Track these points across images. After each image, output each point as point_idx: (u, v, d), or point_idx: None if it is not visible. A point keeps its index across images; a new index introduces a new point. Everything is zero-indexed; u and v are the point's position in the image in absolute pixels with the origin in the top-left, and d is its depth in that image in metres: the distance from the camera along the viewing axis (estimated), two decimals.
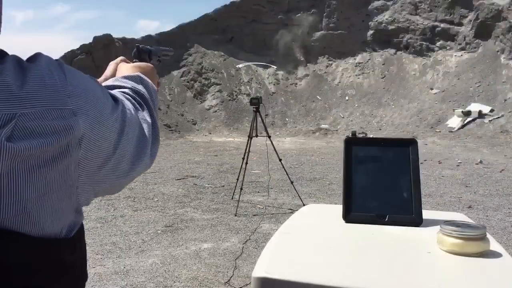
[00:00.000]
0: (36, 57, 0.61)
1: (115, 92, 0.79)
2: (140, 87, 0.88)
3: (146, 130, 0.78)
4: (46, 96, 0.56)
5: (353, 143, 1.41)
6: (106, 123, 0.64)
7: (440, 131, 14.84)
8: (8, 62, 0.57)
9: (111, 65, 1.06)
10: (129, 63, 1.07)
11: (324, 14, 20.44)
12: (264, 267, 1.03)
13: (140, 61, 1.12)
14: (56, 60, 0.63)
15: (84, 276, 0.69)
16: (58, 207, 0.58)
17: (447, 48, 18.63)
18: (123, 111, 0.70)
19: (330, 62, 20.23)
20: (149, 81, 0.93)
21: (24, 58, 0.62)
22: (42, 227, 0.56)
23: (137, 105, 0.81)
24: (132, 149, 0.73)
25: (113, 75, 1.03)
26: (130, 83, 0.87)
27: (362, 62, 19.70)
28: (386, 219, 1.33)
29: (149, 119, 0.81)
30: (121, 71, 1.02)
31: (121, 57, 1.09)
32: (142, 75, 0.93)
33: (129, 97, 0.81)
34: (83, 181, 0.61)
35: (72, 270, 0.63)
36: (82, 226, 0.67)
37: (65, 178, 0.57)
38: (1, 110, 0.52)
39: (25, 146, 0.52)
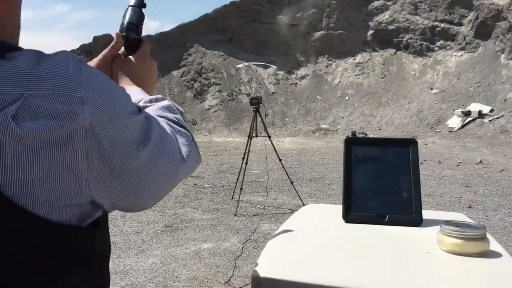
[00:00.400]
0: (58, 53, 0.62)
1: (155, 115, 0.76)
2: (178, 115, 0.85)
3: (184, 151, 0.76)
4: (56, 81, 0.57)
5: (353, 143, 1.41)
6: (121, 122, 0.62)
7: (440, 131, 14.84)
8: (24, 51, 0.59)
9: (102, 59, 0.97)
10: (120, 56, 0.98)
11: (324, 14, 20.44)
12: (264, 267, 1.03)
13: (133, 51, 0.98)
14: (79, 57, 0.63)
15: (102, 277, 0.68)
16: (65, 194, 0.58)
17: (447, 48, 18.64)
18: (148, 122, 0.68)
19: (330, 62, 20.24)
20: (178, 107, 0.89)
21: None
22: (49, 210, 0.57)
23: (176, 130, 0.78)
24: (162, 168, 0.70)
25: (107, 73, 0.95)
26: (171, 116, 0.83)
27: (362, 62, 19.70)
28: (386, 219, 1.33)
29: (186, 141, 0.79)
30: (123, 81, 0.96)
31: (110, 49, 0.97)
32: (171, 102, 0.88)
33: (176, 127, 0.79)
34: (94, 177, 0.60)
35: (86, 265, 0.63)
36: (100, 221, 0.66)
37: (71, 166, 0.57)
38: (9, 90, 0.53)
39: (29, 128, 0.53)
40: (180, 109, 0.89)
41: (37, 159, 0.54)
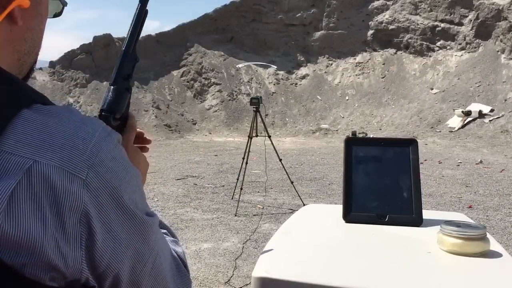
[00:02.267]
0: (92, 118, 0.58)
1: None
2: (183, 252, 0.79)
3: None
4: (67, 155, 0.53)
5: (353, 143, 1.41)
6: (123, 217, 0.57)
7: (440, 131, 14.84)
8: (54, 107, 0.55)
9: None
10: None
11: (324, 14, 20.44)
12: (264, 267, 1.03)
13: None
14: (112, 130, 0.59)
15: None
16: (56, 275, 0.54)
17: (447, 48, 18.64)
18: (154, 233, 0.62)
19: (330, 62, 20.24)
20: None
21: None
22: (42, 280, 0.53)
23: (180, 269, 0.73)
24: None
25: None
26: (179, 248, 0.78)
27: (362, 62, 19.70)
28: (386, 219, 1.33)
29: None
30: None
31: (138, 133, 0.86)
32: (165, 225, 0.82)
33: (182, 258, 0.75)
34: (88, 270, 0.55)
35: None
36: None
37: (63, 252, 0.53)
38: (19, 151, 0.51)
39: (19, 223, 0.49)
40: (175, 235, 0.83)
41: (27, 243, 0.50)
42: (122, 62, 0.83)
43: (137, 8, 0.85)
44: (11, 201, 0.49)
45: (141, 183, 0.63)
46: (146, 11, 0.86)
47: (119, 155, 0.58)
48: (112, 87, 0.81)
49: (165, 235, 0.76)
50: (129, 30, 0.85)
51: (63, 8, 0.74)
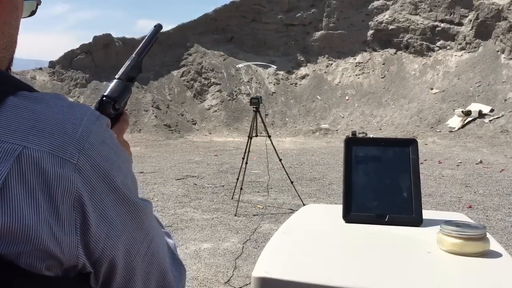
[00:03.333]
0: (80, 104, 0.58)
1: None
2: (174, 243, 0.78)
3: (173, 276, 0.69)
4: (58, 140, 0.52)
5: (353, 143, 1.41)
6: (116, 201, 0.57)
7: (440, 131, 14.84)
8: (40, 94, 0.55)
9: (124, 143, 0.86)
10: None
11: (324, 14, 20.44)
12: (264, 267, 1.03)
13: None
14: (101, 115, 0.58)
15: None
16: (52, 261, 0.53)
17: (447, 48, 18.64)
18: (149, 218, 0.62)
19: (330, 62, 20.24)
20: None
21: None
22: (38, 270, 0.53)
23: (175, 258, 0.73)
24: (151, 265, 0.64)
25: None
26: (171, 242, 0.77)
27: (362, 62, 19.70)
28: (386, 219, 1.33)
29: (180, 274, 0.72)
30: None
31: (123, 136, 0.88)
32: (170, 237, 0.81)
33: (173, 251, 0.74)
34: (83, 250, 0.55)
35: None
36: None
37: (58, 238, 0.53)
38: (9, 138, 0.50)
39: (13, 209, 0.49)
40: (164, 227, 0.82)
41: (22, 230, 0.50)
42: (131, 64, 0.88)
43: (155, 26, 0.98)
44: (3, 189, 0.49)
45: (131, 169, 0.63)
46: (160, 27, 0.99)
47: (109, 138, 0.58)
48: (117, 79, 0.85)
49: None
50: (144, 41, 0.94)
51: (37, 6, 0.74)
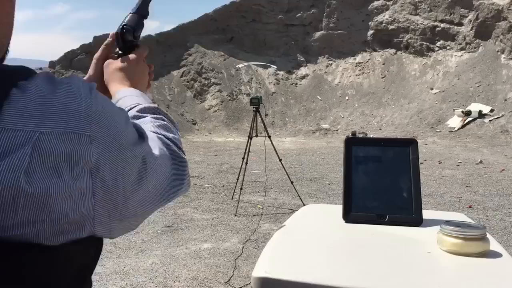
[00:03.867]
0: (69, 79, 0.61)
1: (146, 129, 0.76)
2: (173, 133, 0.83)
3: (178, 176, 0.76)
4: (68, 117, 0.56)
5: (353, 143, 1.41)
6: (125, 160, 0.62)
7: (440, 131, 14.84)
8: (37, 79, 0.57)
9: (96, 63, 1.01)
10: (113, 57, 1.00)
11: (324, 14, 20.44)
12: (264, 267, 1.03)
13: (126, 50, 0.99)
14: (90, 85, 0.62)
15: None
16: (70, 230, 0.57)
17: (447, 48, 18.63)
18: (148, 151, 0.68)
19: (330, 62, 20.24)
20: (169, 115, 0.88)
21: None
22: (55, 240, 0.56)
23: (172, 151, 0.77)
24: (155, 200, 0.70)
25: (98, 76, 0.99)
26: (169, 134, 0.82)
27: (362, 62, 19.70)
28: (386, 219, 1.33)
29: (181, 168, 0.78)
30: (113, 80, 0.96)
31: (102, 49, 1.00)
32: (162, 112, 0.88)
33: (165, 143, 0.78)
34: (99, 214, 0.60)
35: (81, 279, 0.63)
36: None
37: (79, 205, 0.57)
38: (22, 126, 0.53)
39: (39, 184, 0.52)
40: (176, 123, 0.88)
41: (46, 203, 0.54)
42: (144, 3, 1.00)
43: None
44: (28, 173, 0.52)
45: (129, 117, 0.69)
46: None
47: (106, 102, 0.64)
48: (132, 13, 0.98)
49: (161, 121, 0.84)
50: None
51: None
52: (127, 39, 0.97)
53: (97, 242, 0.64)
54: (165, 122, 0.84)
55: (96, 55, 1.01)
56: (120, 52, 0.99)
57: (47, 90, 0.57)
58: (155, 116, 0.85)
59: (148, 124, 0.81)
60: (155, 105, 0.88)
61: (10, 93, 0.54)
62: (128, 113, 0.83)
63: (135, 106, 0.87)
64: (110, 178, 0.60)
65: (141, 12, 0.99)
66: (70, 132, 0.56)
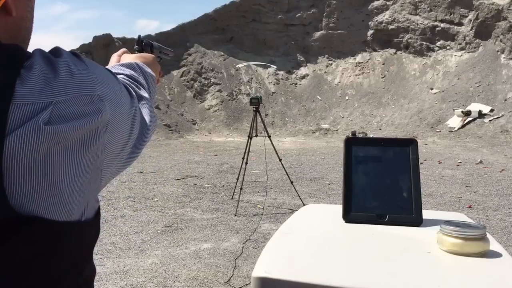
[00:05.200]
0: (58, 51, 0.65)
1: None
2: (137, 74, 0.92)
3: (147, 118, 0.81)
4: (76, 84, 0.60)
5: (353, 143, 1.41)
6: (125, 110, 0.69)
7: (440, 131, 14.84)
8: (37, 56, 0.61)
9: (114, 57, 1.11)
10: (131, 54, 1.12)
11: (324, 14, 20.44)
12: (264, 267, 1.03)
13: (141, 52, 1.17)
14: (73, 52, 0.67)
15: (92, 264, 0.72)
16: (86, 190, 0.62)
17: (447, 48, 18.64)
18: (135, 100, 0.75)
19: (330, 62, 20.23)
20: (147, 68, 0.97)
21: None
22: (70, 211, 0.59)
23: (136, 92, 0.83)
24: (143, 144, 0.78)
25: None
26: (127, 71, 0.91)
27: (362, 62, 19.70)
28: (386, 219, 1.33)
29: (147, 106, 0.85)
30: (123, 61, 1.06)
31: (123, 49, 1.14)
32: (139, 62, 0.97)
33: (128, 83, 0.84)
34: (106, 165, 0.65)
35: (90, 255, 0.68)
36: (99, 210, 0.70)
37: (94, 161, 0.62)
38: (38, 98, 0.56)
39: (62, 128, 0.56)
40: (149, 71, 0.97)
41: (68, 160, 0.58)
42: (162, 48, 1.26)
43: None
44: (50, 121, 0.56)
45: (115, 74, 0.74)
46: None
47: (93, 62, 0.69)
48: (155, 44, 1.26)
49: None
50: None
51: None
52: (144, 47, 1.18)
53: (96, 222, 0.68)
54: (131, 63, 0.95)
55: (115, 54, 1.12)
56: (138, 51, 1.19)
57: (47, 66, 0.60)
58: (132, 74, 0.92)
59: (117, 66, 0.92)
60: (133, 62, 0.97)
61: (21, 74, 0.57)
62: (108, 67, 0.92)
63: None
64: (116, 128, 0.65)
65: (159, 49, 1.27)
66: (82, 95, 0.60)
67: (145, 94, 0.86)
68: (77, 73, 0.61)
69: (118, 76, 0.82)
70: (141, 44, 1.18)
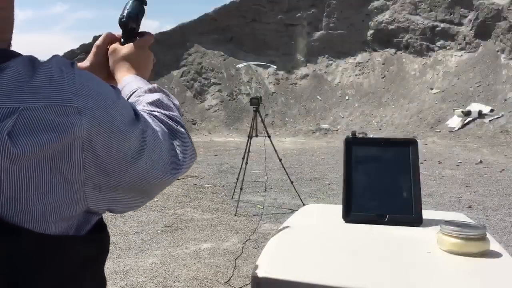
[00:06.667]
0: (51, 57, 0.61)
1: (141, 111, 0.75)
2: (169, 111, 0.82)
3: (179, 153, 0.74)
4: (51, 91, 0.55)
5: (353, 143, 1.41)
6: (119, 132, 0.60)
7: (440, 131, 14.84)
8: (19, 59, 0.57)
9: (96, 51, 0.99)
10: (117, 42, 0.99)
11: (324, 14, 20.44)
12: (264, 267, 1.03)
13: (129, 37, 0.98)
14: (71, 61, 0.62)
15: (100, 280, 0.67)
16: (62, 207, 0.56)
17: (447, 48, 18.63)
18: (144, 130, 0.66)
19: (330, 62, 20.23)
20: (171, 98, 0.88)
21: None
22: (47, 225, 0.55)
23: (172, 128, 0.77)
24: (156, 176, 0.69)
25: (100, 62, 0.97)
26: (160, 110, 0.81)
27: (362, 62, 19.69)
28: (386, 219, 1.33)
29: (181, 142, 0.77)
30: (119, 68, 0.96)
31: (108, 35, 0.99)
32: (161, 89, 0.89)
33: (160, 119, 0.77)
34: (91, 188, 0.59)
35: (87, 271, 0.62)
36: (98, 226, 0.65)
37: (68, 178, 0.56)
38: (4, 103, 0.52)
39: (25, 146, 0.51)
40: (176, 101, 0.88)
41: (34, 176, 0.53)
42: None
43: None
44: (11, 134, 0.51)
45: (120, 92, 0.67)
46: None
47: (91, 76, 0.62)
48: (131, 1, 0.98)
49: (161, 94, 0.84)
50: None
51: None
52: (131, 26, 0.97)
53: (99, 236, 0.64)
54: (162, 99, 0.83)
55: (98, 42, 0.99)
56: (122, 40, 0.99)
57: (26, 69, 0.55)
58: (153, 95, 0.84)
59: (143, 103, 0.81)
60: (155, 85, 0.89)
61: None
62: (130, 98, 0.84)
63: (136, 90, 0.86)
64: (103, 150, 0.58)
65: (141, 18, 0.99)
66: (55, 105, 0.54)
67: (182, 129, 0.78)
68: (58, 80, 0.56)
69: (156, 117, 0.75)
70: (128, 32, 0.98)
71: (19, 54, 0.59)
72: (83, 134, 0.56)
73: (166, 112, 0.79)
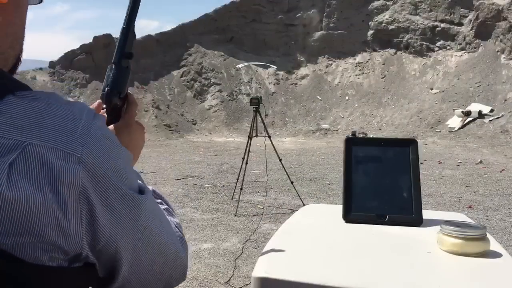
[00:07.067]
0: (75, 102, 0.60)
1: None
2: (178, 222, 0.82)
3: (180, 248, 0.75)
4: (60, 135, 0.54)
5: (353, 143, 1.41)
6: (119, 194, 0.59)
7: (440, 131, 14.84)
8: (38, 92, 0.56)
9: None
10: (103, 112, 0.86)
11: (324, 14, 20.44)
12: (264, 267, 1.03)
13: (117, 118, 0.84)
14: (96, 112, 0.60)
15: None
16: (55, 251, 0.55)
17: (447, 48, 18.63)
18: (148, 209, 0.64)
19: (330, 62, 20.23)
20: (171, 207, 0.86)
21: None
22: (37, 261, 0.54)
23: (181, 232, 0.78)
24: (159, 262, 0.68)
25: None
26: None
27: (362, 62, 19.69)
28: (386, 219, 1.33)
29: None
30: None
31: (97, 105, 0.86)
32: (160, 196, 0.86)
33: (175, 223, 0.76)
34: (87, 242, 0.57)
35: None
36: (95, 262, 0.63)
37: (63, 227, 0.54)
38: (11, 135, 0.52)
39: (20, 192, 0.50)
40: (171, 206, 0.86)
41: (28, 219, 0.51)
42: (124, 41, 0.84)
43: None
44: (9, 182, 0.50)
45: (131, 160, 0.65)
46: None
47: (109, 133, 0.60)
48: (114, 66, 0.84)
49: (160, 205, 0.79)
50: (128, 7, 0.85)
51: None
52: (112, 104, 0.82)
53: (93, 267, 0.61)
54: (167, 206, 0.83)
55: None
56: (107, 120, 0.83)
57: (45, 105, 0.55)
58: (157, 200, 0.79)
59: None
60: (154, 189, 0.84)
61: (5, 99, 0.53)
62: None
63: None
64: (100, 211, 0.56)
65: (125, 54, 0.84)
66: (59, 149, 0.53)
67: (176, 219, 0.77)
68: (69, 127, 0.55)
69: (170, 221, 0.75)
70: (113, 108, 0.83)
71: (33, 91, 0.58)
72: (80, 184, 0.54)
73: (175, 220, 0.81)
